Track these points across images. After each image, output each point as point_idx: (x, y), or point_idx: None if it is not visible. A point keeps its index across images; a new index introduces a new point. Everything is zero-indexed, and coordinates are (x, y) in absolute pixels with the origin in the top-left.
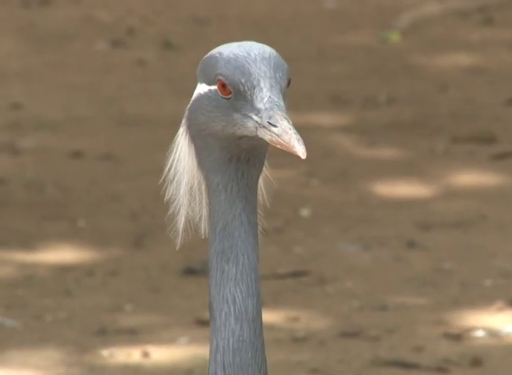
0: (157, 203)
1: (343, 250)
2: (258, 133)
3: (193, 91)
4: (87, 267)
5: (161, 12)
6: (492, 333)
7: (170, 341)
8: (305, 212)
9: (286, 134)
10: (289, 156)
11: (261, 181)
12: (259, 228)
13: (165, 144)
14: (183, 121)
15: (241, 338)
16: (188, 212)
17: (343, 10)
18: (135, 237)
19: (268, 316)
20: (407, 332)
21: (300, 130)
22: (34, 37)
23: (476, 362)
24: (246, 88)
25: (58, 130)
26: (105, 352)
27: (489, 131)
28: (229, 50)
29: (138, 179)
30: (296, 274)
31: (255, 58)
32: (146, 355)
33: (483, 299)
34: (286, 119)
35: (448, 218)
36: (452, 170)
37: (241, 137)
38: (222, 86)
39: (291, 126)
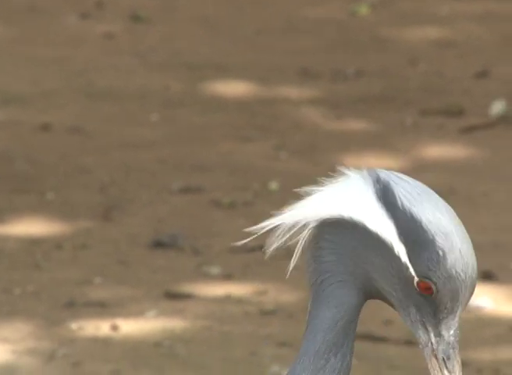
0: (126, 176)
1: None
2: (424, 350)
3: (162, 63)
4: (55, 240)
5: None
6: None
7: (139, 313)
8: (274, 186)
9: None
10: (258, 129)
11: None
12: None
13: (134, 117)
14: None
15: None
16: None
17: None
18: (104, 210)
19: (237, 289)
20: (376, 305)
21: (269, 103)
22: (2, 10)
23: None
24: (444, 310)
25: (27, 104)
26: (74, 325)
27: (458, 104)
28: (454, 256)
29: (107, 152)
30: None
31: (467, 284)
32: (115, 328)
33: None
34: (459, 367)
35: None
36: (421, 143)
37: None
38: (426, 288)
39: None
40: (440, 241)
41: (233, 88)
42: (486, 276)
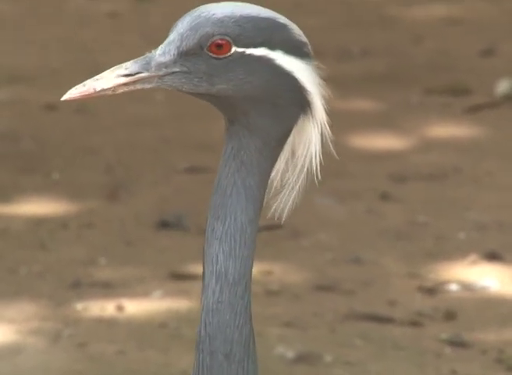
0: (131, 155)
1: (317, 203)
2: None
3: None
4: (61, 220)
5: None
6: (466, 287)
7: (144, 294)
8: None
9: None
10: None
11: (311, 147)
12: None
13: (140, 95)
14: None
15: (220, 300)
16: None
17: None
18: (110, 189)
19: None
20: (381, 285)
21: None
22: None
23: (450, 315)
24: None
25: (33, 83)
26: (79, 306)
27: (464, 83)
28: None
29: (113, 131)
30: (270, 227)
31: (188, 15)
32: (120, 308)
33: (457, 252)
34: (117, 68)
35: (422, 170)
36: (426, 122)
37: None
38: None
39: (100, 75)
40: None
41: None
42: (491, 256)
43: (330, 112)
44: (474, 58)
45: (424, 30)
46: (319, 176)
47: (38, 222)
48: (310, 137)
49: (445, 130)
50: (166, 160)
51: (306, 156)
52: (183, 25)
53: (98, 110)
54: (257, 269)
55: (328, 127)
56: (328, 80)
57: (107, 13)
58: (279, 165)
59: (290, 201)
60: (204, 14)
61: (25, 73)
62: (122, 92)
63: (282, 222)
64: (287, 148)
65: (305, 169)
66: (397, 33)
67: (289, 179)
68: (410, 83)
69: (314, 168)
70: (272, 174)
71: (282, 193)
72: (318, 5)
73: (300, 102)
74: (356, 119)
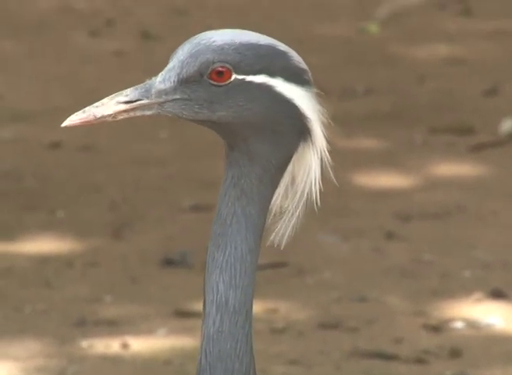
0: (136, 193)
1: (322, 241)
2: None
3: None
4: (66, 258)
5: (140, 3)
6: (471, 325)
7: (149, 332)
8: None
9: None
10: None
11: (311, 173)
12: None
13: (144, 134)
14: None
15: (220, 329)
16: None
17: (322, 0)
18: (114, 227)
19: None
20: (386, 323)
21: None
22: (12, 26)
23: (455, 353)
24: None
25: (37, 121)
26: (84, 343)
27: (468, 122)
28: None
29: (117, 169)
30: (275, 265)
31: (187, 43)
32: (125, 346)
33: (462, 290)
34: (117, 94)
35: (427, 209)
36: (430, 161)
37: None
38: None
39: (100, 101)
40: None
41: None
42: (496, 294)
43: (334, 151)
44: (477, 97)
45: (427, 69)
46: (319, 203)
47: (43, 260)
48: (310, 164)
49: (449, 168)
50: (171, 198)
51: (306, 182)
52: (183, 52)
53: (102, 148)
54: (261, 307)
55: (328, 154)
56: (332, 118)
57: (112, 52)
58: (279, 191)
59: (290, 228)
60: (203, 41)
61: (28, 111)
62: (123, 118)
63: (282, 247)
64: (287, 175)
65: (305, 196)
66: (400, 72)
67: (289, 205)
68: (414, 122)
69: (314, 194)
70: (272, 201)
71: (282, 219)
72: (321, 44)
73: (300, 129)
74: (360, 157)
